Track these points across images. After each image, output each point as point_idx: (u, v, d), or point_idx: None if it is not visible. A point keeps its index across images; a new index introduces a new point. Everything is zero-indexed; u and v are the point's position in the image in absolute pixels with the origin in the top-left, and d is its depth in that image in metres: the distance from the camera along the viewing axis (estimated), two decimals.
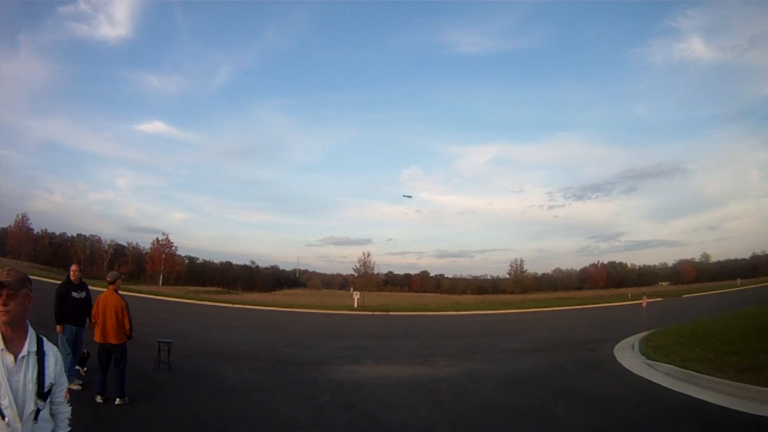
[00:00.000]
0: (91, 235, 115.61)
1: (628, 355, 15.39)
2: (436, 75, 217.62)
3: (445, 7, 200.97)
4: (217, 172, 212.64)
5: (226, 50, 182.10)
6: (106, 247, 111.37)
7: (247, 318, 34.79)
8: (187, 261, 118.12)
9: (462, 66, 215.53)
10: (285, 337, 23.41)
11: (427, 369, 14.30)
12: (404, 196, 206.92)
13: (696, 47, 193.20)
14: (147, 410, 8.43)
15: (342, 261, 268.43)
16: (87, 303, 9.63)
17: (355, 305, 52.58)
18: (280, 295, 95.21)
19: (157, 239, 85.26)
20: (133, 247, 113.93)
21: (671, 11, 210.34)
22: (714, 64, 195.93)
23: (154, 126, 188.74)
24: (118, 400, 8.41)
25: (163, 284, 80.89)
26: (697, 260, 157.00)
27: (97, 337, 8.68)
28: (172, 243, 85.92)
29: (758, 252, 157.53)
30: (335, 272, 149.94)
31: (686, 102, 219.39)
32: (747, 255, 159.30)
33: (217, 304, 49.17)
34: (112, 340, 8.61)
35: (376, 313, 46.21)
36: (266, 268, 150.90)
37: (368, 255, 71.72)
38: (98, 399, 8.44)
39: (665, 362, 12.64)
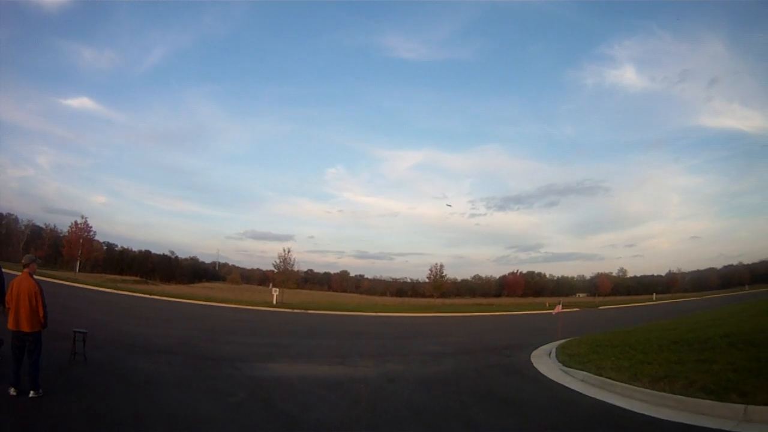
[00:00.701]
0: (8, 213, 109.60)
1: (545, 362, 15.90)
2: (370, 77, 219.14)
3: (387, 12, 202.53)
4: (142, 156, 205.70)
5: (163, 30, 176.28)
6: (23, 228, 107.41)
7: (165, 310, 34.49)
8: (105, 247, 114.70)
9: (397, 71, 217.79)
10: (203, 331, 23.09)
11: (346, 369, 14.38)
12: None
13: (628, 75, 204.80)
14: (62, 404, 8.14)
15: (262, 256, 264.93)
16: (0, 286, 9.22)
17: (274, 302, 52.55)
18: (199, 287, 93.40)
19: (76, 222, 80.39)
20: (50, 230, 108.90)
21: (608, 39, 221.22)
22: (643, 93, 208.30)
23: (81, 102, 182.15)
24: (32, 393, 8.13)
25: (79, 271, 77.22)
26: (614, 274, 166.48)
27: (10, 324, 8.31)
28: (91, 227, 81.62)
29: (674, 269, 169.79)
30: (255, 267, 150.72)
31: (613, 125, 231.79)
32: (663, 272, 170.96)
33: (134, 294, 48.82)
34: (26, 328, 8.26)
35: (295, 310, 46.14)
36: (185, 259, 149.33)
37: (289, 251, 70.70)
38: (11, 392, 8.09)
39: (581, 369, 13.11)
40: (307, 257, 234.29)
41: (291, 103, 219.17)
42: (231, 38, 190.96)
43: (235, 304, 49.15)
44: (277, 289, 58.15)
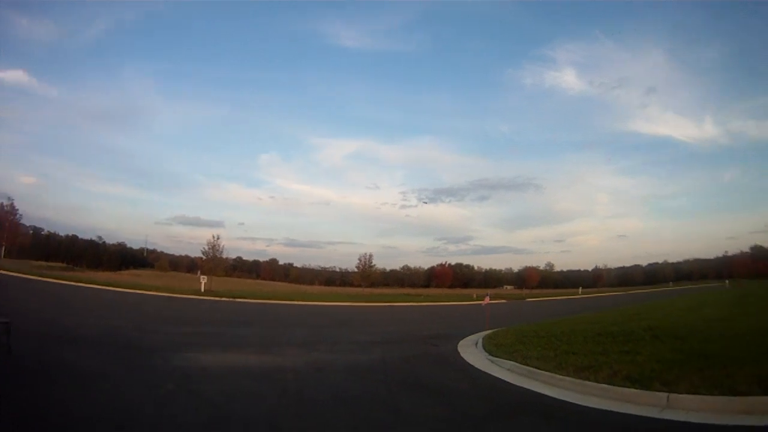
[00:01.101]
0: None
1: (472, 351, 16.09)
2: (309, 63, 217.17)
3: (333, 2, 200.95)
4: (73, 134, 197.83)
5: (104, 2, 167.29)
6: None
7: (92, 298, 34.51)
8: (31, 232, 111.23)
9: (337, 59, 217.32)
10: (130, 320, 22.87)
11: (274, 358, 14.38)
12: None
13: (567, 78, 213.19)
14: None
15: (191, 242, 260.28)
16: None
17: (202, 290, 52.62)
18: (126, 275, 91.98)
19: (2, 204, 75.98)
20: None
21: (551, 42, 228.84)
22: (581, 96, 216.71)
23: (14, 75, 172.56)
24: None
25: (4, 256, 74.26)
26: (542, 268, 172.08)
27: None
28: (17, 210, 77.26)
29: (600, 265, 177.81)
30: (184, 254, 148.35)
31: (548, 125, 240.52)
32: (590, 267, 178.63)
33: (61, 282, 48.63)
34: None
35: (223, 299, 45.97)
36: (113, 245, 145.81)
37: (218, 238, 69.55)
38: None
39: (507, 359, 13.32)
40: (237, 244, 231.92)
41: (228, 86, 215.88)
42: (172, 16, 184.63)
43: (163, 292, 48.79)
44: (206, 277, 57.96)
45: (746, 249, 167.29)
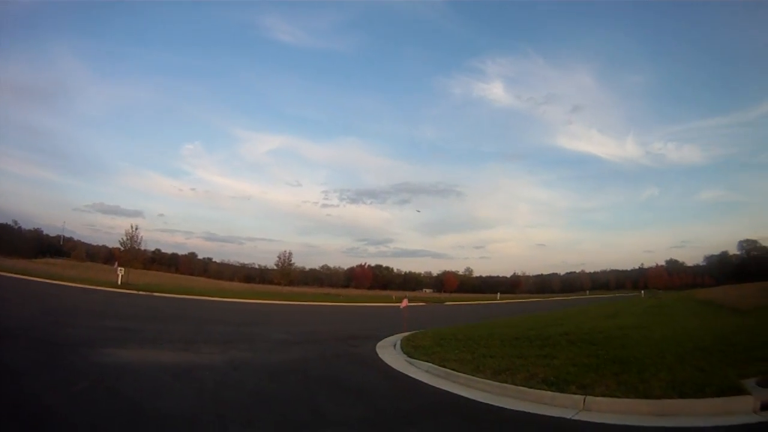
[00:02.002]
0: None
1: (390, 353, 16.05)
2: (242, 54, 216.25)
3: None
4: None
5: None
6: None
7: (5, 288, 33.06)
8: None
9: (270, 52, 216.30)
10: (45, 313, 21.95)
11: (191, 355, 14.03)
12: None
13: (495, 90, 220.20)
14: None
15: (109, 232, 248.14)
16: None
17: (119, 282, 51.36)
18: (42, 263, 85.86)
19: None
20: None
21: (483, 54, 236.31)
22: (508, 108, 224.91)
23: None
24: None
25: None
26: (461, 273, 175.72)
27: None
28: None
29: (519, 272, 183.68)
30: (101, 243, 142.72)
31: (474, 134, 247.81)
32: (509, 274, 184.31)
33: None
34: None
35: (141, 293, 44.91)
36: (29, 231, 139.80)
37: (136, 228, 66.78)
38: None
39: (425, 361, 13.38)
40: (156, 236, 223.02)
41: (157, 71, 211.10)
42: None
43: (79, 283, 47.55)
44: (123, 269, 56.55)
45: (662, 262, 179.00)
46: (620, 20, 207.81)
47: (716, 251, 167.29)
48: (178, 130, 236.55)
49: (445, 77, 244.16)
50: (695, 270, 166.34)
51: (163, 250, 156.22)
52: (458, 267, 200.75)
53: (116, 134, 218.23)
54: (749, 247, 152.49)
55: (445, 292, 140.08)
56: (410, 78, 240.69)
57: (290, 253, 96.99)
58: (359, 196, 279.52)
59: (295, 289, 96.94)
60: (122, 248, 67.07)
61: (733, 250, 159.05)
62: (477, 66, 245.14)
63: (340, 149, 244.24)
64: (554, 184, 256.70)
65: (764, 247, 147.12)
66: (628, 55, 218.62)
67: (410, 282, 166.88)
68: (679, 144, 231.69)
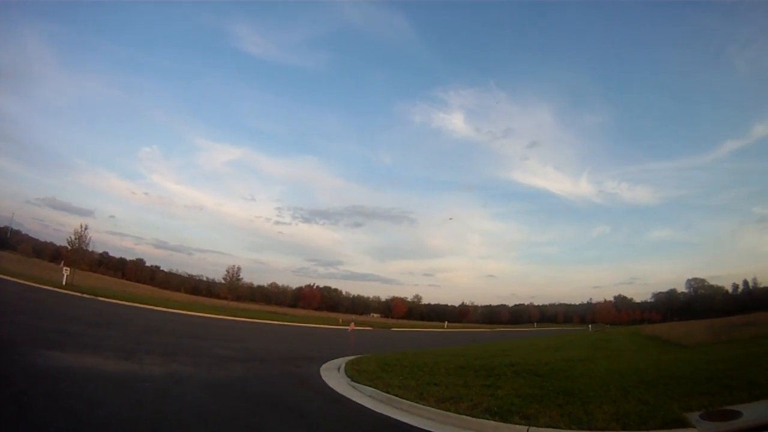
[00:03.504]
0: None
1: (334, 376, 15.86)
2: (208, 61, 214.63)
3: (247, 2, 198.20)
4: None
5: None
6: None
7: None
8: None
9: (238, 62, 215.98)
10: None
11: (132, 365, 13.60)
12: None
13: (456, 121, 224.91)
14: None
15: (58, 229, 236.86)
16: None
17: (64, 282, 49.80)
18: None
19: None
20: None
21: (446, 84, 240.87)
22: (466, 140, 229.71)
23: None
24: None
25: None
26: (409, 299, 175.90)
27: None
28: None
29: (467, 302, 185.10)
30: (49, 240, 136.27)
31: (431, 162, 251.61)
32: (457, 303, 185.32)
33: None
34: None
35: (85, 295, 43.59)
36: None
37: (86, 228, 64.62)
38: None
39: (369, 385, 13.26)
40: (105, 238, 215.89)
41: (122, 67, 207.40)
42: None
43: (22, 279, 45.80)
44: (69, 269, 55.15)
45: (610, 298, 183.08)
46: (581, 61, 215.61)
47: (664, 288, 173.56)
48: (137, 132, 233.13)
49: (408, 104, 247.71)
50: (643, 306, 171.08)
51: (110, 254, 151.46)
52: (407, 293, 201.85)
53: (75, 128, 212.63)
54: (697, 285, 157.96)
55: (393, 317, 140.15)
56: (373, 101, 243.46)
57: (239, 268, 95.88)
58: (312, 215, 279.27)
59: (242, 304, 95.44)
60: (70, 247, 65.01)
61: (681, 288, 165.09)
62: (440, 95, 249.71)
63: (297, 166, 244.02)
64: (507, 217, 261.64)
65: (711, 285, 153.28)
66: (587, 95, 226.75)
67: (358, 306, 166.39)
68: (632, 184, 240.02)
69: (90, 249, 69.62)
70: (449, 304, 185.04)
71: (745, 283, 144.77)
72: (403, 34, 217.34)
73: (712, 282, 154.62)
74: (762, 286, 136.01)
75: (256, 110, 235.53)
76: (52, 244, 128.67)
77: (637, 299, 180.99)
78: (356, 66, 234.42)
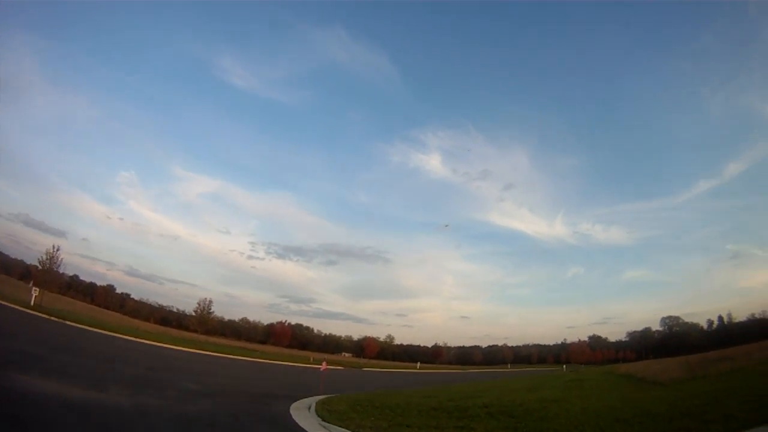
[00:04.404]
0: None
1: (304, 415, 15.61)
2: (191, 91, 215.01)
3: (234, 35, 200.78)
4: None
5: None
6: None
7: None
8: None
9: (221, 93, 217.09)
10: None
11: (98, 394, 13.35)
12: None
13: (433, 162, 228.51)
14: None
15: (30, 247, 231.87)
16: None
17: (32, 303, 49.40)
18: None
19: None
20: None
21: (424, 125, 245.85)
22: (443, 181, 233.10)
23: None
24: None
25: None
26: (382, 339, 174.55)
27: None
28: None
29: (440, 343, 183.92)
30: (19, 257, 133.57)
31: (406, 202, 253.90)
32: (430, 344, 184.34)
33: None
34: None
35: (53, 318, 42.97)
36: None
37: (58, 249, 63.60)
38: None
39: (340, 426, 13.11)
40: (76, 261, 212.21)
41: (106, 89, 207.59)
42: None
43: None
44: (38, 290, 54.41)
45: (584, 338, 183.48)
46: (556, 104, 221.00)
47: (639, 327, 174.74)
48: (116, 155, 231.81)
49: (386, 144, 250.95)
50: (618, 345, 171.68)
51: (81, 277, 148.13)
52: (380, 333, 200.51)
53: (53, 145, 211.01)
54: (672, 323, 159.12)
55: (365, 357, 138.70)
56: (351, 140, 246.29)
57: (210, 301, 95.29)
58: (286, 251, 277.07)
59: (212, 338, 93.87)
60: (40, 267, 63.77)
61: (656, 326, 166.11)
62: (418, 136, 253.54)
63: (273, 201, 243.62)
64: (482, 258, 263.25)
65: (686, 323, 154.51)
66: (562, 138, 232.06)
67: (330, 344, 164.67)
68: (606, 225, 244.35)
69: (61, 271, 68.16)
70: (422, 344, 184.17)
71: (720, 319, 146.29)
72: (384, 75, 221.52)
73: (687, 319, 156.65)
74: (737, 321, 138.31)
75: (236, 143, 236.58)
76: (22, 261, 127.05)
77: (612, 338, 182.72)
78: (337, 104, 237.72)
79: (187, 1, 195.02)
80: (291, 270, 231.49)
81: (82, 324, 45.61)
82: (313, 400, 18.71)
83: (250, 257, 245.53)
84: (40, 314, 42.59)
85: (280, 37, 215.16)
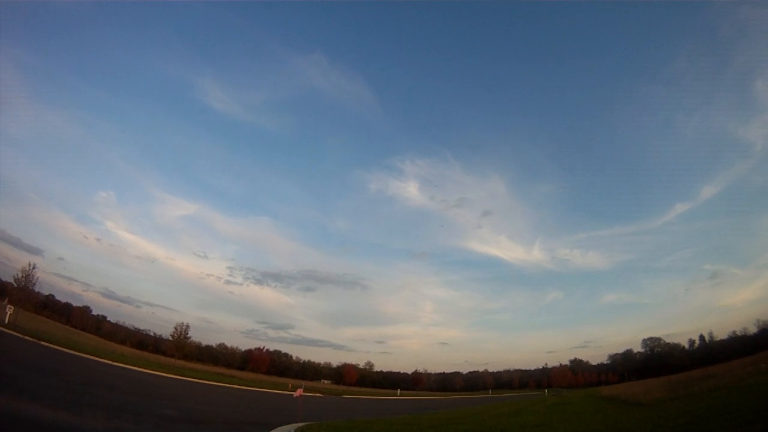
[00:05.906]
0: None
1: None
2: (171, 112, 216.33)
3: (214, 58, 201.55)
4: None
5: None
6: None
7: None
8: None
9: (201, 116, 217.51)
10: None
11: (72, 417, 13.23)
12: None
13: (410, 189, 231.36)
14: None
15: (5, 263, 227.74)
16: None
17: (6, 321, 49.30)
18: None
19: None
20: None
21: (402, 153, 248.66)
22: (420, 208, 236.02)
23: None
24: None
25: None
26: (361, 366, 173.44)
27: None
28: None
29: (420, 369, 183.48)
30: None
31: (384, 229, 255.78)
32: (410, 370, 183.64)
33: None
34: None
35: (27, 337, 42.63)
36: None
37: (34, 267, 62.74)
38: None
39: None
40: (52, 280, 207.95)
41: (87, 107, 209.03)
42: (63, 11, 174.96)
43: None
44: (12, 308, 54.00)
45: (566, 362, 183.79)
46: (533, 134, 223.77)
47: (620, 350, 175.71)
48: (94, 175, 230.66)
49: (364, 171, 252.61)
50: (599, 368, 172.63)
51: (57, 297, 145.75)
52: (359, 360, 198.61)
53: (31, 161, 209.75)
54: (653, 344, 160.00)
55: (344, 384, 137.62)
56: (330, 166, 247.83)
57: (187, 326, 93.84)
58: (264, 277, 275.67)
59: (189, 364, 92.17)
60: (15, 285, 62.81)
61: (637, 348, 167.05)
62: (396, 164, 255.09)
63: (251, 227, 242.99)
64: (460, 285, 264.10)
65: (668, 343, 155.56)
66: (539, 166, 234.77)
67: (309, 371, 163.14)
68: (584, 250, 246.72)
69: (36, 289, 67.56)
70: (402, 371, 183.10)
71: (702, 338, 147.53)
72: (363, 102, 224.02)
73: (669, 340, 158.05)
74: (718, 339, 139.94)
75: (215, 166, 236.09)
76: None
77: (593, 362, 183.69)
78: (316, 130, 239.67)
79: (170, 25, 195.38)
80: (269, 296, 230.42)
81: (57, 345, 44.90)
82: (291, 428, 18.64)
83: (227, 282, 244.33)
84: (14, 333, 42.10)
85: (260, 63, 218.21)
